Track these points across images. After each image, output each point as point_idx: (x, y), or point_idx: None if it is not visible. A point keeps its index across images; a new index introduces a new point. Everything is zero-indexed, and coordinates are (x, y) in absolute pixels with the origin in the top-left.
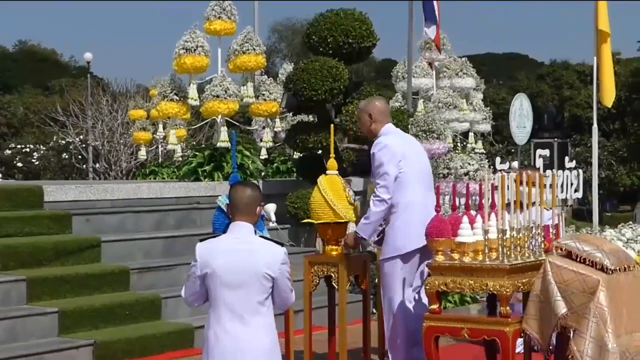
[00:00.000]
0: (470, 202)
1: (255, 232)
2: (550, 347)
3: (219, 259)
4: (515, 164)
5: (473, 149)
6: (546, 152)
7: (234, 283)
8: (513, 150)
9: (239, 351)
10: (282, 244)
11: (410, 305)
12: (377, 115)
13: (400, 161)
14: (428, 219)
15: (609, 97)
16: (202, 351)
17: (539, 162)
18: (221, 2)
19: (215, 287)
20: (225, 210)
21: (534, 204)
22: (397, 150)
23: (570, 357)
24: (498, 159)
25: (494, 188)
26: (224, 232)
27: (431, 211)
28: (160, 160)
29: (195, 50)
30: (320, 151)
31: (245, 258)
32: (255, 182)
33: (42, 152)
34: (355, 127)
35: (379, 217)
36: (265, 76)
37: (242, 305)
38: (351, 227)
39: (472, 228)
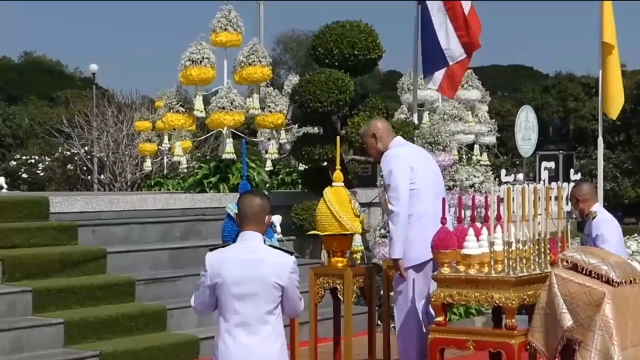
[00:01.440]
0: (475, 214)
1: (264, 241)
2: None
3: (228, 269)
4: (521, 176)
5: (478, 161)
6: (551, 164)
7: (244, 292)
8: (518, 163)
9: (252, 357)
10: (291, 253)
11: (424, 317)
12: (381, 132)
13: (411, 172)
14: None
15: (615, 109)
16: (212, 359)
17: (544, 175)
18: (227, 14)
19: (225, 297)
20: (234, 218)
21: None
22: (406, 160)
23: None
24: (503, 171)
25: (500, 200)
26: (234, 240)
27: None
28: (165, 171)
29: (201, 61)
30: (325, 163)
31: (255, 268)
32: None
33: (47, 163)
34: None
35: (401, 232)
36: (271, 88)
37: (251, 314)
38: (356, 239)
39: (478, 240)
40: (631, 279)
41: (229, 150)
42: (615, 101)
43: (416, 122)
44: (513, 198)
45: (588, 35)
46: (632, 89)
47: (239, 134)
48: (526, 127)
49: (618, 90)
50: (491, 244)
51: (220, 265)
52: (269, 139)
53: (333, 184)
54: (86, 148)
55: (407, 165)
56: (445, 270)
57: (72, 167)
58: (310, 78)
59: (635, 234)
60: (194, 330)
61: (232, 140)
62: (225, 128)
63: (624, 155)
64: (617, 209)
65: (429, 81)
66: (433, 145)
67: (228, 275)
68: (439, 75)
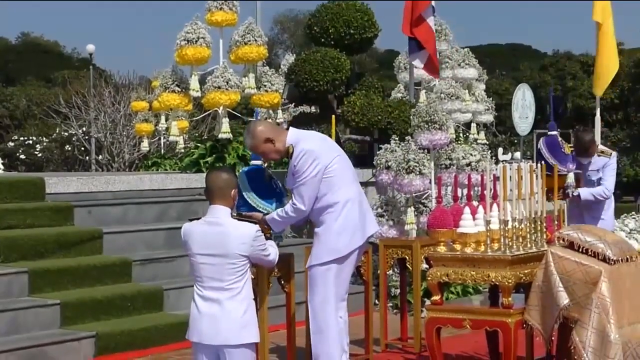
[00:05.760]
0: (472, 193)
1: (232, 214)
2: (552, 338)
3: (195, 241)
4: (518, 154)
5: (475, 139)
6: None
7: (209, 262)
8: (516, 141)
9: (216, 325)
10: (255, 223)
11: (340, 312)
12: (272, 133)
13: (329, 162)
14: (365, 213)
15: (601, 86)
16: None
17: None
18: None
19: (195, 265)
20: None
21: None
22: (319, 152)
23: (572, 348)
24: (500, 150)
25: (496, 179)
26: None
27: (366, 204)
28: (162, 152)
29: (196, 41)
30: None
31: (218, 240)
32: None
33: (45, 144)
34: (358, 118)
35: (292, 222)
36: (267, 67)
37: (218, 282)
38: None
39: (474, 219)
40: (628, 256)
41: (225, 129)
42: (601, 78)
43: (413, 101)
44: (510, 176)
45: (586, 14)
46: (630, 68)
47: (236, 113)
48: (523, 105)
49: (605, 68)
50: (487, 223)
51: (188, 237)
52: (266, 119)
53: None
54: (84, 129)
55: (320, 162)
56: (442, 249)
57: (70, 148)
58: (306, 57)
59: (633, 212)
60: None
61: (228, 120)
62: (221, 108)
63: (622, 133)
64: (615, 187)
65: (414, 58)
66: (429, 124)
67: (195, 246)
68: (425, 53)
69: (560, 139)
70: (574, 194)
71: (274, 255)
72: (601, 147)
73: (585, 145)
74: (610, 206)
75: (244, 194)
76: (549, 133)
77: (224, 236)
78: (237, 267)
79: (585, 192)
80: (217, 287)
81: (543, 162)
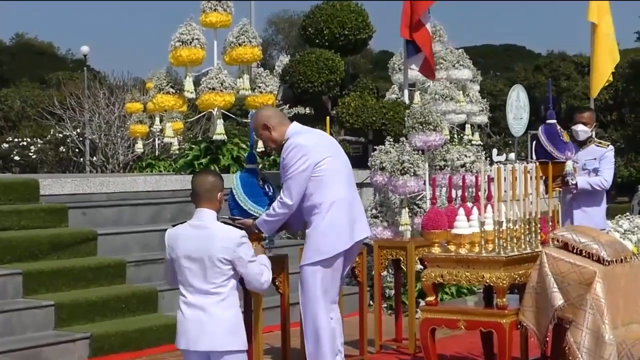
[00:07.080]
0: (466, 194)
1: (218, 217)
2: (547, 339)
3: (180, 245)
4: (512, 155)
5: (470, 140)
6: None
7: (194, 267)
8: (511, 142)
9: (202, 330)
10: (241, 228)
11: (332, 314)
12: (273, 121)
13: (315, 159)
14: (355, 217)
15: (594, 88)
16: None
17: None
18: None
19: (179, 270)
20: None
21: None
22: (311, 148)
23: (567, 348)
24: (495, 151)
25: (490, 180)
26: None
27: (358, 208)
28: (157, 153)
29: (191, 42)
30: None
31: (203, 243)
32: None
33: (39, 145)
34: (352, 119)
35: (282, 219)
36: (262, 68)
37: (203, 286)
38: None
39: (469, 220)
40: (622, 257)
41: (219, 131)
42: (595, 80)
43: (407, 102)
44: (504, 177)
45: (580, 14)
46: (624, 68)
47: (230, 115)
48: (517, 106)
49: (601, 69)
50: (482, 224)
51: (173, 241)
52: None
53: None
54: (78, 130)
55: (313, 153)
56: (436, 250)
57: (64, 150)
58: (300, 58)
59: (628, 213)
60: None
61: (222, 121)
62: (216, 109)
63: (616, 134)
64: (610, 187)
65: (412, 62)
66: (424, 125)
67: (180, 250)
68: (421, 56)
69: (559, 127)
70: (573, 182)
71: (268, 277)
72: (597, 140)
73: (582, 109)
74: (602, 204)
75: (236, 197)
76: (548, 121)
77: (208, 239)
78: (221, 272)
79: (582, 181)
80: (202, 291)
81: (541, 150)
